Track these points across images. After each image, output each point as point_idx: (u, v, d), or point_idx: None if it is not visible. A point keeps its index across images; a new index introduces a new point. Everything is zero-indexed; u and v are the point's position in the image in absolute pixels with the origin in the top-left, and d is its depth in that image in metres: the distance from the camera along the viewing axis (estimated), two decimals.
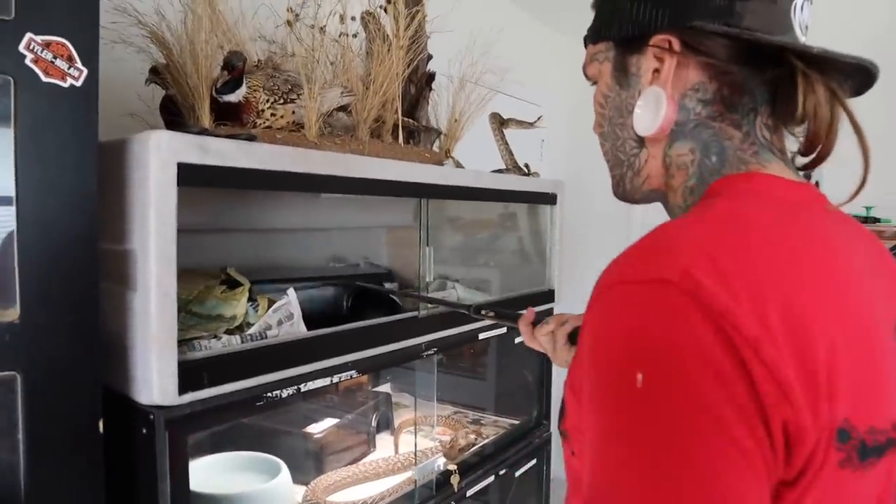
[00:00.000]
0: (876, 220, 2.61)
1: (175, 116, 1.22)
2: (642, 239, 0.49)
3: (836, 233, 0.54)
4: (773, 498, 0.43)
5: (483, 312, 1.15)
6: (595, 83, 0.69)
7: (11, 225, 0.75)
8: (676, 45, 0.58)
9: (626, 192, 0.68)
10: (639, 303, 0.43)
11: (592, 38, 0.67)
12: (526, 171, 1.88)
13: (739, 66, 0.57)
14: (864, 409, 0.45)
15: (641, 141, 0.64)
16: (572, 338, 0.92)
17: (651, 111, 0.60)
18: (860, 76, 0.59)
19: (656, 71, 0.60)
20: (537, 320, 1.01)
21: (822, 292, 0.46)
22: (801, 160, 0.60)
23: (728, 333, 0.41)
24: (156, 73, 1.23)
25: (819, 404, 0.42)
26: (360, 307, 1.48)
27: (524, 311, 1.05)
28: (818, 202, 0.58)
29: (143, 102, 1.31)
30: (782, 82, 0.57)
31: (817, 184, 2.52)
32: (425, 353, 1.42)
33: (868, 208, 2.65)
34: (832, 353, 0.43)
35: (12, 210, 0.75)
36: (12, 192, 0.75)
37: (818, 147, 0.57)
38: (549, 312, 1.31)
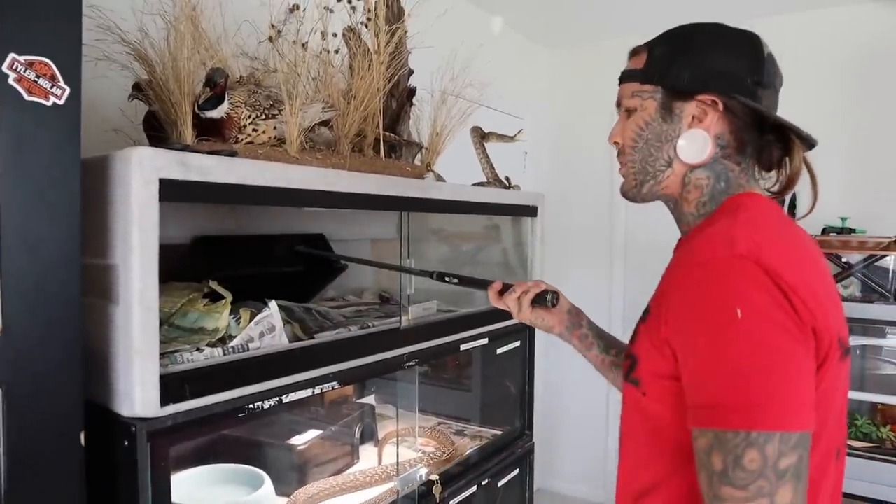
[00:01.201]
0: (851, 231, 2.66)
1: (158, 132, 1.24)
2: (707, 236, 0.79)
3: (801, 230, 0.86)
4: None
5: (447, 280, 1.29)
6: (627, 111, 0.93)
7: None
8: (720, 107, 0.86)
9: (640, 193, 0.94)
10: (729, 268, 0.72)
11: (641, 79, 0.91)
12: (507, 183, 1.91)
13: (751, 128, 0.87)
14: (842, 329, 0.78)
15: (671, 162, 0.90)
16: (535, 301, 1.16)
17: (699, 147, 0.87)
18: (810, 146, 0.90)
19: (695, 117, 0.87)
20: (504, 290, 1.21)
21: (809, 263, 0.78)
22: (774, 189, 0.92)
23: (779, 283, 0.70)
24: (139, 90, 1.25)
25: (828, 322, 0.72)
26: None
27: (492, 280, 1.22)
28: (781, 210, 0.90)
29: (127, 118, 1.33)
30: (771, 144, 0.88)
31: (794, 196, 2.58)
32: (406, 365, 1.44)
33: (843, 219, 2.71)
34: (824, 298, 0.74)
35: None
36: None
37: (791, 186, 0.90)
38: None
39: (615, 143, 0.96)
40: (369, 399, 1.99)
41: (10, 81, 0.77)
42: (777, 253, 0.72)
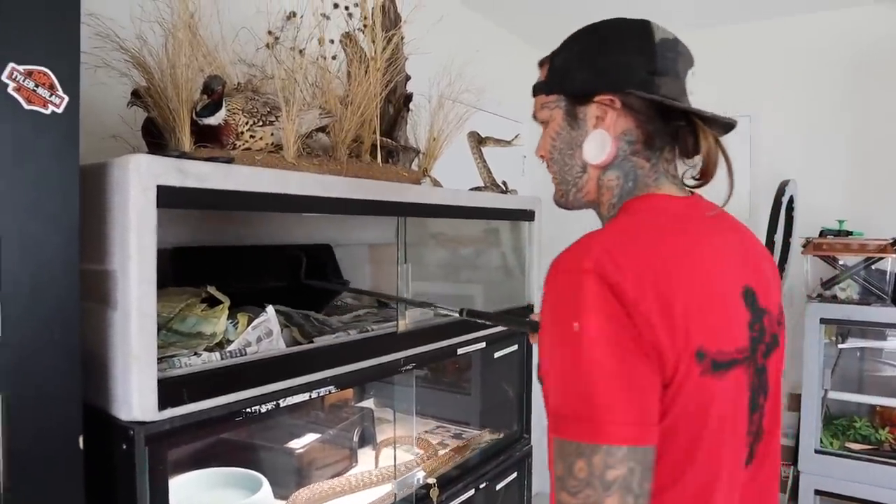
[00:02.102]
0: (848, 233, 2.67)
1: (156, 139, 1.25)
2: (573, 244, 0.76)
3: (706, 228, 0.83)
4: (664, 389, 0.71)
5: (478, 320, 1.31)
6: (543, 123, 0.94)
7: None
8: (618, 104, 0.85)
9: (567, 202, 0.94)
10: (573, 282, 0.71)
11: (545, 90, 0.92)
12: (504, 188, 1.93)
13: (655, 119, 0.85)
14: (714, 340, 0.74)
15: (585, 167, 0.90)
16: None
17: (598, 147, 0.86)
18: (728, 126, 0.88)
19: (598, 118, 0.86)
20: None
21: (684, 271, 0.74)
22: (693, 181, 0.90)
23: (620, 297, 0.69)
24: (137, 97, 1.26)
25: (675, 337, 0.70)
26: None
27: (534, 320, 1.22)
28: (697, 209, 0.86)
29: (127, 125, 1.34)
30: (682, 131, 0.86)
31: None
32: (404, 369, 1.44)
33: (841, 222, 2.71)
34: (687, 309, 0.71)
35: None
36: None
37: (708, 174, 0.86)
38: None
39: (541, 156, 0.97)
40: (368, 403, 2.00)
41: (10, 91, 0.78)
42: (629, 265, 0.71)
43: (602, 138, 0.86)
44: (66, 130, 0.84)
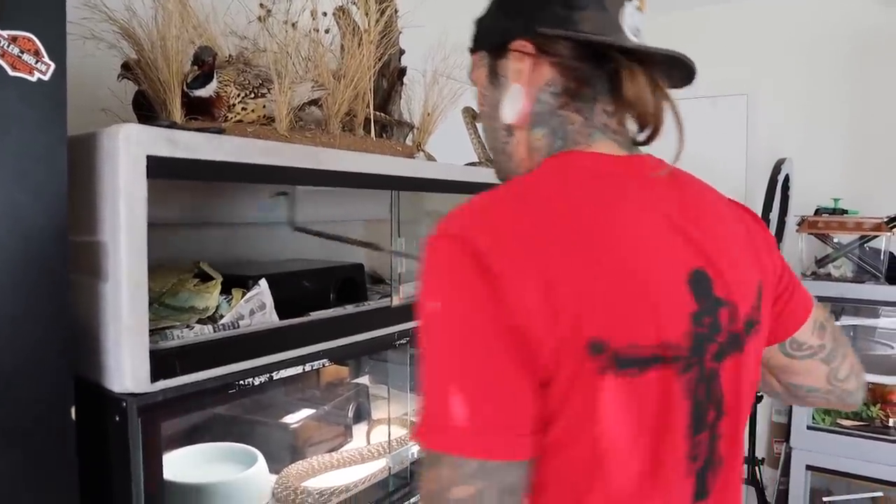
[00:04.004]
0: (844, 212, 2.67)
1: (147, 112, 1.23)
2: (456, 208, 0.65)
3: (643, 195, 0.69)
4: (544, 389, 0.59)
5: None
6: (476, 86, 0.82)
7: None
8: (530, 49, 0.72)
9: (504, 175, 0.81)
10: (436, 250, 0.61)
11: (472, 49, 0.81)
12: None
13: (582, 63, 0.71)
14: (621, 330, 0.60)
15: (511, 130, 0.77)
16: None
17: (511, 103, 0.74)
18: (683, 69, 0.73)
19: (518, 71, 0.73)
20: None
21: (584, 242, 0.61)
22: (641, 136, 0.75)
23: (485, 270, 0.57)
24: (127, 69, 1.25)
25: (557, 322, 0.57)
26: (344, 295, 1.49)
27: None
28: (637, 170, 0.72)
29: (116, 98, 1.33)
30: (617, 75, 0.70)
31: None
32: (397, 343, 1.44)
33: (836, 200, 2.71)
34: (580, 288, 0.58)
35: None
36: None
37: (648, 126, 0.72)
38: None
39: None
40: (363, 380, 2.01)
41: None
42: (503, 230, 0.59)
43: (514, 92, 0.73)
44: (53, 98, 0.83)
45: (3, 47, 0.77)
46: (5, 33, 0.77)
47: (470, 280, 0.57)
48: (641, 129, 0.73)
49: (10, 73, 0.78)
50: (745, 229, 0.77)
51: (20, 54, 0.79)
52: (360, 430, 1.79)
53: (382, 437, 1.67)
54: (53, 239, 0.84)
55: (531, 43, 0.72)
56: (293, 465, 1.50)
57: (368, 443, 1.69)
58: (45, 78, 0.82)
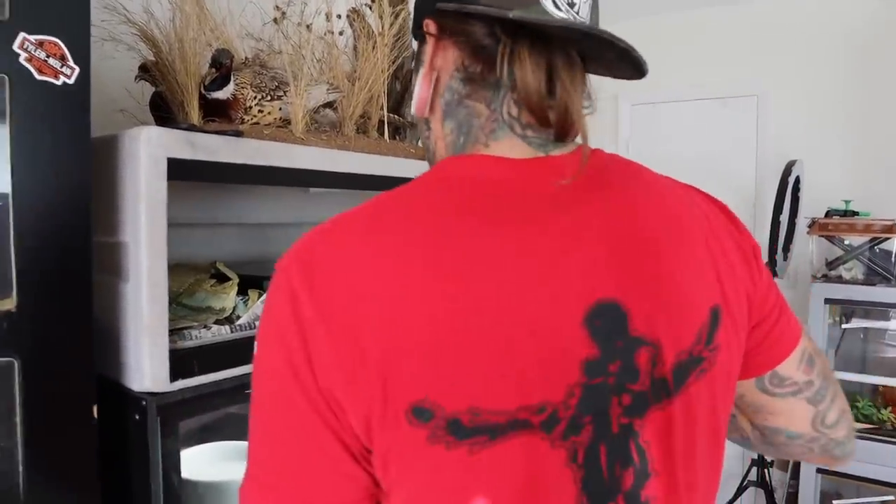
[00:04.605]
0: (854, 214, 2.67)
1: (164, 113, 1.25)
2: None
3: (532, 215, 0.54)
4: (361, 463, 0.50)
5: None
6: None
7: (8, 217, 0.78)
8: (433, 28, 0.61)
9: None
10: (271, 282, 0.53)
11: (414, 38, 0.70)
12: None
13: (485, 44, 0.57)
14: (459, 394, 0.48)
15: (428, 123, 0.65)
16: None
17: (416, 93, 0.64)
18: (623, 55, 0.57)
19: (424, 54, 0.62)
20: None
21: (422, 284, 0.49)
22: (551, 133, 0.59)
23: (299, 314, 0.49)
24: (145, 71, 1.26)
25: (368, 385, 0.47)
26: None
27: None
28: (535, 176, 0.57)
29: (134, 99, 1.34)
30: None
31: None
32: None
33: (847, 202, 2.71)
34: (400, 342, 0.48)
35: (8, 203, 0.78)
36: (9, 187, 0.78)
37: (546, 119, 0.56)
38: None
39: None
40: None
41: (21, 61, 0.78)
42: (325, 266, 0.50)
43: (418, 79, 0.63)
44: (78, 101, 0.84)
45: (30, 51, 0.79)
46: (32, 38, 0.79)
47: (285, 326, 0.49)
48: (542, 124, 0.57)
49: (37, 76, 0.80)
50: (712, 240, 0.62)
51: (46, 58, 0.80)
52: None
53: None
54: (78, 239, 0.86)
55: (434, 23, 0.61)
56: None
57: None
58: (70, 82, 0.83)
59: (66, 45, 0.82)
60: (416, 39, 0.66)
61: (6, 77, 0.77)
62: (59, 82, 0.82)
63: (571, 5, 0.56)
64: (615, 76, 0.63)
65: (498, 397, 0.49)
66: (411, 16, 0.68)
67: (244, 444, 1.44)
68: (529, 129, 0.59)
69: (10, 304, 0.79)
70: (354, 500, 0.51)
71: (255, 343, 0.53)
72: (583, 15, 0.57)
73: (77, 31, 0.83)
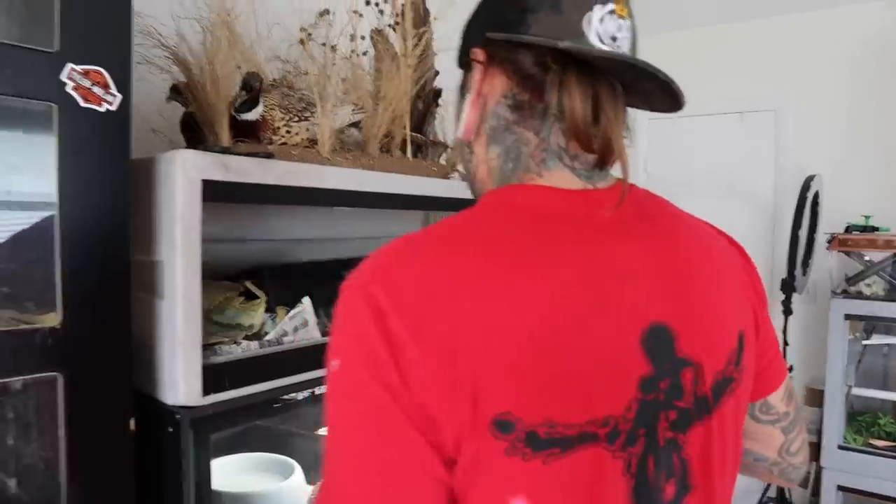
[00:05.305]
0: (875, 229, 2.66)
1: (195, 133, 1.29)
2: (378, 249, 0.58)
3: (590, 243, 0.59)
4: (449, 470, 0.52)
5: None
6: None
7: (54, 235, 0.82)
8: (481, 57, 0.65)
9: (474, 197, 0.72)
10: (343, 303, 0.55)
11: (459, 66, 0.74)
12: None
13: (534, 72, 0.61)
14: (539, 406, 0.51)
15: (471, 147, 0.69)
16: None
17: (463, 117, 0.67)
18: (664, 87, 0.60)
19: (472, 81, 0.67)
20: None
21: (501, 304, 0.52)
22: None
23: (388, 332, 0.51)
24: (177, 92, 1.30)
25: (459, 398, 0.50)
26: None
27: None
28: (587, 209, 0.61)
29: (164, 119, 1.38)
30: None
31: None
32: None
33: (867, 217, 2.70)
34: (487, 359, 0.50)
35: (55, 221, 0.82)
36: (56, 207, 0.82)
37: (590, 146, 0.60)
38: None
39: None
40: None
41: (68, 89, 0.82)
42: (409, 286, 0.52)
43: (466, 104, 0.67)
44: (119, 127, 0.88)
45: (76, 80, 0.82)
46: (79, 68, 0.83)
47: (372, 342, 0.51)
48: (585, 151, 0.61)
49: (82, 104, 0.84)
50: (733, 270, 0.69)
51: (91, 87, 0.84)
52: None
53: None
54: (118, 257, 0.89)
55: (483, 51, 0.65)
56: None
57: None
58: (113, 108, 0.87)
59: (109, 74, 0.86)
60: (461, 67, 0.71)
61: (55, 106, 0.81)
62: (102, 109, 0.86)
63: (614, 39, 0.60)
64: (651, 108, 0.67)
65: (570, 411, 0.52)
66: (451, 42, 0.72)
67: (265, 455, 1.47)
68: (576, 161, 0.63)
69: (54, 320, 0.83)
70: None
71: (332, 360, 0.54)
72: (624, 49, 0.61)
73: (120, 61, 0.87)
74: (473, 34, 0.67)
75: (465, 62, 0.69)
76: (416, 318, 0.51)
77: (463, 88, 0.70)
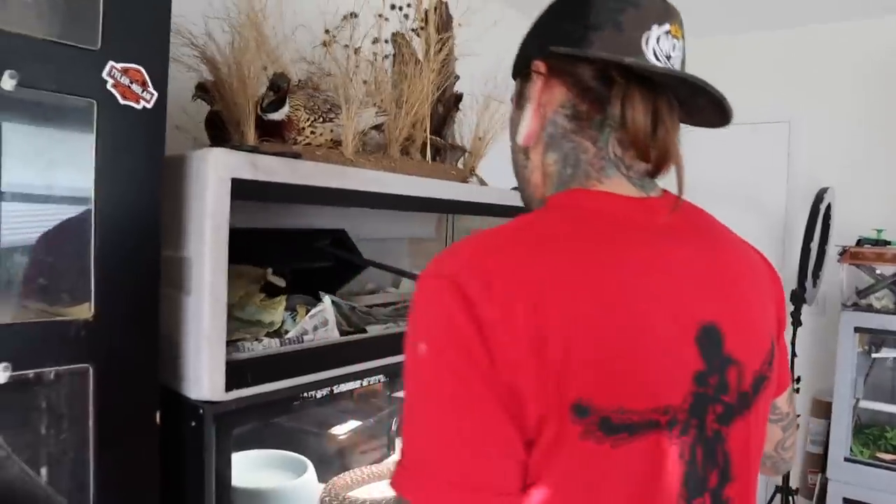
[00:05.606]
0: (887, 243, 2.66)
1: (220, 131, 1.30)
2: (457, 241, 0.63)
3: (653, 241, 0.64)
4: (527, 451, 0.55)
5: None
6: None
7: (91, 227, 0.83)
8: (542, 69, 0.70)
9: (525, 202, 0.78)
10: (427, 291, 0.58)
11: (513, 75, 0.79)
12: None
13: (594, 85, 0.67)
14: (612, 393, 0.56)
15: (527, 153, 0.74)
16: None
17: (523, 125, 0.72)
18: (715, 103, 0.66)
19: (533, 92, 0.71)
20: None
21: (582, 294, 0.57)
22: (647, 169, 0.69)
23: (476, 318, 0.54)
24: (203, 90, 1.32)
25: (545, 382, 0.54)
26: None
27: None
28: (645, 215, 0.67)
29: (188, 116, 1.40)
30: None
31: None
32: None
33: (879, 231, 2.70)
34: (570, 345, 0.54)
35: (92, 215, 0.84)
36: (92, 202, 0.83)
37: (648, 156, 0.65)
38: None
39: None
40: (401, 394, 2.04)
41: (109, 87, 0.84)
42: (498, 277, 0.56)
43: (527, 113, 0.72)
44: (155, 124, 0.90)
45: (116, 78, 0.84)
46: (119, 66, 0.84)
47: (460, 326, 0.54)
48: (642, 160, 0.66)
49: (121, 101, 0.85)
50: (763, 279, 0.74)
51: (130, 84, 0.86)
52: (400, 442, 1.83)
53: None
54: (150, 253, 0.91)
55: (544, 63, 0.70)
56: (339, 475, 1.55)
57: None
58: (150, 106, 0.89)
59: (147, 72, 0.88)
60: (515, 77, 0.77)
61: (95, 102, 0.82)
62: (139, 106, 0.87)
63: (668, 58, 0.67)
64: (697, 123, 0.72)
65: (638, 399, 0.57)
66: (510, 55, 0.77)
67: (278, 452, 1.48)
68: (631, 170, 0.68)
69: (87, 312, 0.84)
70: (518, 486, 0.55)
71: (418, 343, 0.56)
72: (676, 67, 0.67)
73: (158, 59, 0.89)
74: (534, 47, 0.72)
75: (522, 72, 0.74)
76: (506, 304, 0.54)
77: (520, 98, 0.74)
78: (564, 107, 0.69)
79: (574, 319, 0.55)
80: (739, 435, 0.65)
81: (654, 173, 0.68)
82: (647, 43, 0.66)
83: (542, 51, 0.70)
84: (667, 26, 0.67)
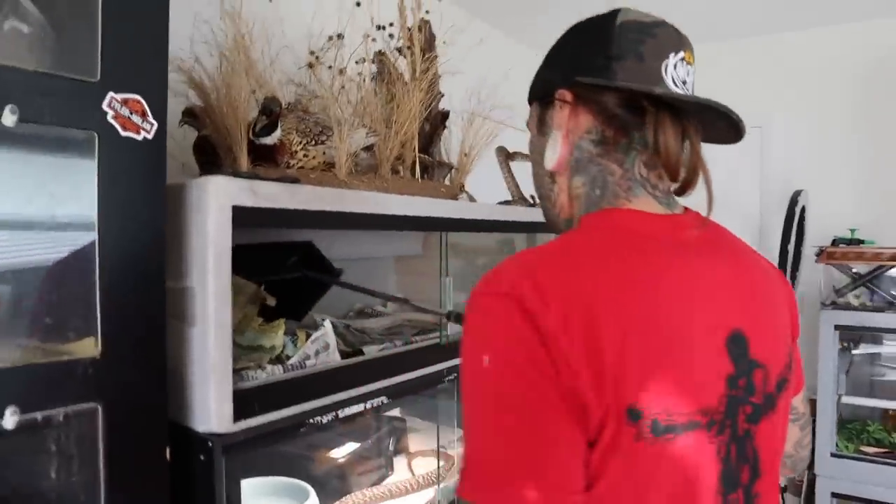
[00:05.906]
0: (860, 242, 2.73)
1: (209, 157, 1.29)
2: (502, 261, 0.66)
3: (684, 255, 0.69)
4: (588, 452, 0.59)
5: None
6: None
7: (95, 261, 0.82)
8: (569, 97, 0.75)
9: (550, 222, 0.83)
10: (485, 307, 0.62)
11: (529, 99, 0.84)
12: (532, 201, 1.97)
13: (620, 111, 0.72)
14: (660, 397, 0.60)
15: (553, 177, 0.79)
16: None
17: (552, 151, 0.77)
18: (729, 122, 0.71)
19: (560, 119, 0.76)
20: None
21: (629, 307, 0.61)
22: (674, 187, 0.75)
23: (539, 329, 0.58)
24: (191, 115, 1.30)
25: (603, 387, 0.58)
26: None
27: None
28: (677, 231, 0.72)
29: (175, 142, 1.38)
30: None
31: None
32: (446, 379, 1.48)
33: (852, 230, 2.77)
34: (623, 354, 0.58)
35: (95, 248, 0.82)
36: (96, 234, 0.82)
37: (677, 176, 0.71)
38: None
39: None
40: (396, 412, 2.03)
41: (109, 118, 0.82)
42: (554, 292, 0.59)
43: (554, 139, 0.76)
44: (155, 154, 0.88)
45: (116, 109, 0.83)
46: (119, 97, 0.83)
47: (526, 337, 0.58)
48: (672, 180, 0.72)
49: (122, 133, 0.84)
50: (779, 289, 0.79)
51: (130, 115, 0.85)
52: (400, 462, 1.81)
53: (420, 470, 1.70)
54: (153, 285, 0.89)
55: (570, 92, 0.74)
56: (342, 499, 1.53)
57: (413, 474, 1.71)
58: (150, 136, 0.87)
59: (146, 102, 0.86)
60: (531, 102, 0.82)
61: (96, 135, 0.81)
62: (139, 137, 0.86)
63: (684, 83, 0.73)
64: (710, 140, 0.76)
65: (682, 402, 0.61)
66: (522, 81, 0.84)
67: (280, 479, 1.45)
68: (657, 189, 0.74)
69: (94, 348, 0.82)
70: (583, 485, 0.58)
71: (481, 356, 0.59)
72: (690, 91, 0.74)
73: (156, 90, 0.88)
74: (556, 76, 0.77)
75: (542, 99, 0.79)
76: (564, 316, 0.58)
77: (542, 124, 0.80)
78: (590, 132, 0.74)
79: (625, 329, 0.59)
80: (766, 433, 0.69)
81: (681, 191, 0.73)
82: (666, 71, 0.71)
83: (566, 80, 0.74)
84: (681, 54, 0.73)
